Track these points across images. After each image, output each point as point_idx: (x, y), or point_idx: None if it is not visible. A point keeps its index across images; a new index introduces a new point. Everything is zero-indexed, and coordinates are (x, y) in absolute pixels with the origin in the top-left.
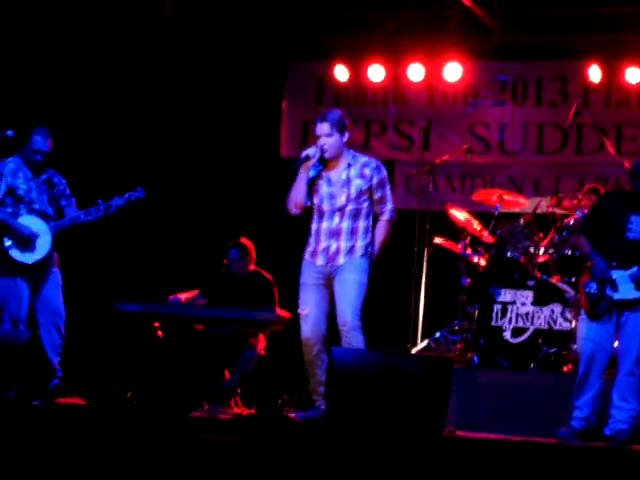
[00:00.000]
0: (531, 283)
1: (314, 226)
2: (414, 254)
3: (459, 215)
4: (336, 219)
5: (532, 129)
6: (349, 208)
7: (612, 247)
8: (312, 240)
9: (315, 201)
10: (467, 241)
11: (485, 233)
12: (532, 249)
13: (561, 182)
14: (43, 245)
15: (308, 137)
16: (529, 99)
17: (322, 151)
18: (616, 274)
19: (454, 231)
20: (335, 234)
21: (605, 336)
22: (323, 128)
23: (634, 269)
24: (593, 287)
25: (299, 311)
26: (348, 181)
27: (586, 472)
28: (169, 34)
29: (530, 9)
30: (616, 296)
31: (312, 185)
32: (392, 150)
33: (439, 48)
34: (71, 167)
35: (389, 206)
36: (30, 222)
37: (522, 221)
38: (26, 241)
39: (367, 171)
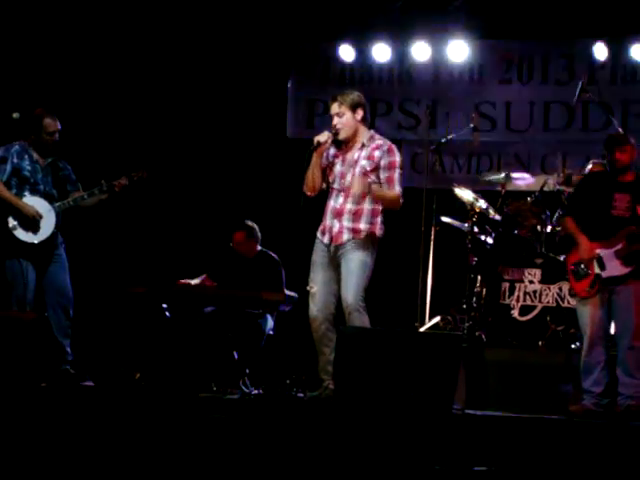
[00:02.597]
0: (539, 261)
1: (327, 204)
2: (421, 233)
3: (465, 194)
4: (340, 199)
5: (538, 107)
6: (356, 191)
7: (597, 225)
8: (324, 218)
9: (330, 179)
10: (474, 219)
11: (492, 211)
12: (539, 227)
13: (568, 159)
14: (48, 225)
15: (314, 117)
16: (535, 77)
17: (335, 133)
18: (602, 252)
19: (461, 210)
20: (338, 214)
21: (600, 313)
22: (334, 107)
23: (619, 245)
24: (580, 267)
25: (308, 288)
26: (356, 161)
27: (597, 448)
28: (176, 15)
29: None
30: (604, 274)
31: (329, 164)
32: (398, 130)
33: (445, 27)
34: (76, 149)
35: (397, 188)
36: (34, 202)
37: (529, 199)
38: (31, 221)
39: (377, 153)
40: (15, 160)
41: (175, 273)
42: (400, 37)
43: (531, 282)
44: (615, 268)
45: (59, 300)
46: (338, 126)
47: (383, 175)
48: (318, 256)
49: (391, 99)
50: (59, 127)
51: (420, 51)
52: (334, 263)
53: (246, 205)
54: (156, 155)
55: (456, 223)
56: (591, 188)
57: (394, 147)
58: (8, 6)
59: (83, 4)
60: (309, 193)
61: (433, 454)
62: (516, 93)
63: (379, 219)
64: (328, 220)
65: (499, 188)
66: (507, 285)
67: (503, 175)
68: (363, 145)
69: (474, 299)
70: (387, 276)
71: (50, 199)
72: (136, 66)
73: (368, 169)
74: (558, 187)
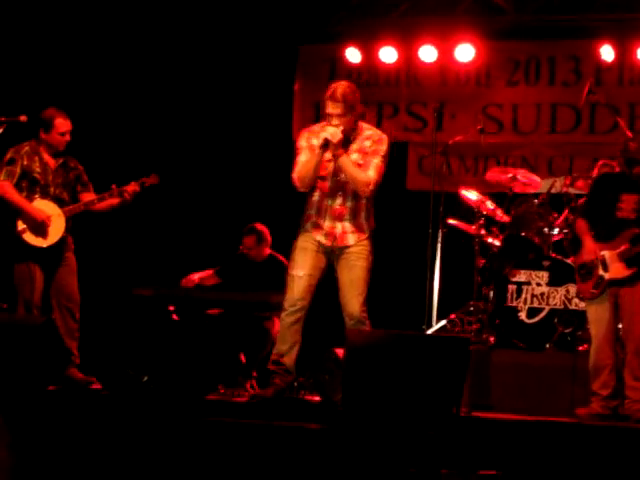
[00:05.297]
0: (546, 263)
1: (315, 199)
2: (428, 235)
3: (472, 196)
4: (339, 199)
5: (545, 109)
6: (351, 186)
7: (603, 226)
8: (313, 213)
9: (320, 173)
10: (481, 222)
11: (499, 213)
12: (546, 229)
13: (575, 162)
14: (57, 229)
15: (320, 120)
16: (542, 79)
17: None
18: (606, 253)
19: (468, 212)
20: (339, 215)
21: (607, 315)
22: (337, 109)
23: (622, 247)
24: (585, 268)
25: (294, 272)
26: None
27: (603, 452)
28: (182, 18)
29: None
30: (607, 276)
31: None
32: (405, 132)
33: (451, 29)
34: (86, 154)
35: (371, 173)
36: (44, 206)
37: (536, 201)
38: (40, 225)
39: (367, 144)
40: (25, 162)
41: (182, 275)
42: (407, 39)
43: (538, 284)
44: (617, 270)
45: (66, 303)
46: (342, 128)
47: (365, 159)
48: (308, 243)
49: (398, 101)
50: (71, 127)
51: (427, 53)
52: (327, 256)
53: (255, 208)
54: (165, 158)
55: (463, 225)
56: (602, 189)
57: (384, 137)
58: (19, 7)
59: (94, 7)
60: (303, 189)
61: (439, 457)
62: (523, 95)
63: (372, 213)
64: (327, 221)
65: (506, 190)
66: (514, 287)
67: (510, 177)
68: (354, 139)
69: (481, 302)
70: (394, 279)
71: (60, 202)
72: (146, 72)
73: (360, 163)
74: (565, 189)
